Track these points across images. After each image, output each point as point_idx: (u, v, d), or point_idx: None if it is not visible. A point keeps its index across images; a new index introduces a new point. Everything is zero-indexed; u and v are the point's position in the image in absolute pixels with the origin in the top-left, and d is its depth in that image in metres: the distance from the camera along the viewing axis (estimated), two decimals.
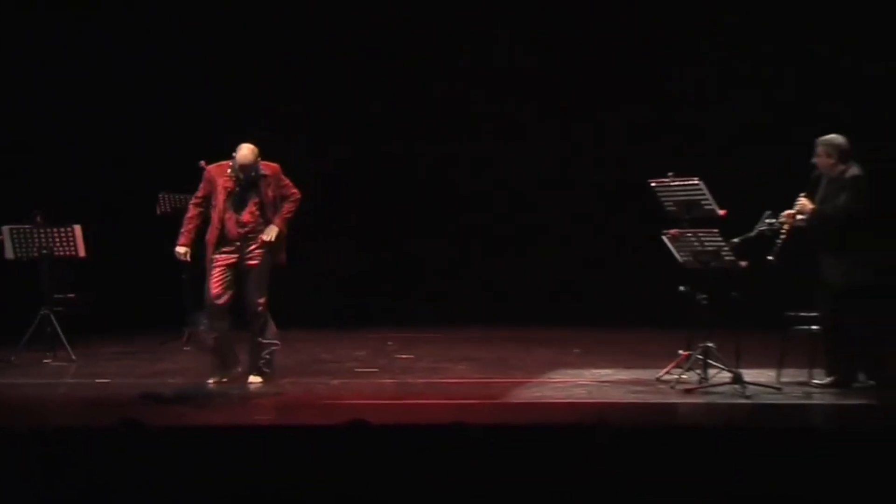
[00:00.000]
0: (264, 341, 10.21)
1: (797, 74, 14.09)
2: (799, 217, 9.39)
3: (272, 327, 10.24)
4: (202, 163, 12.33)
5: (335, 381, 10.36)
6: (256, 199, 10.13)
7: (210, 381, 10.22)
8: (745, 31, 14.25)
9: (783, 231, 9.36)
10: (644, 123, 14.43)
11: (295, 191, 10.29)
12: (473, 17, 14.92)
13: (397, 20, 14.86)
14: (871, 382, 9.39)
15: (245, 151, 10.10)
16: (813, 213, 9.39)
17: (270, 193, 10.16)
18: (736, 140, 13.98)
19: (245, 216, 10.12)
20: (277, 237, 10.12)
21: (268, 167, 10.21)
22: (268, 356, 10.25)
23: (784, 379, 9.68)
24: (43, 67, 14.36)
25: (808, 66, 13.95)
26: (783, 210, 9.44)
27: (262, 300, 10.13)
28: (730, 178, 10.95)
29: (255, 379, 10.20)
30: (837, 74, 13.75)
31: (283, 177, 10.27)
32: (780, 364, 9.74)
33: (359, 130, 15.17)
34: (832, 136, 9.53)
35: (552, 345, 12.24)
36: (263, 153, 12.39)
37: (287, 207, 10.23)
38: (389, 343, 12.62)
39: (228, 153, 10.26)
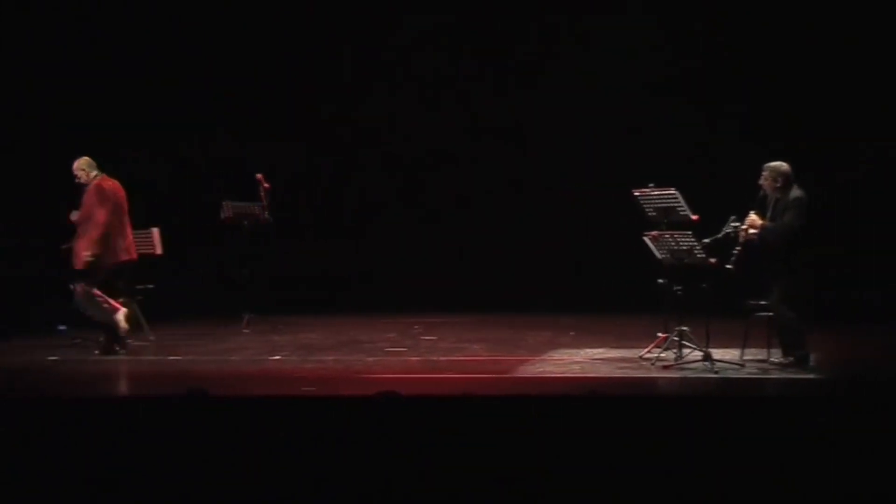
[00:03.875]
0: (85, 314, 10.38)
1: (793, 74, 13.03)
2: (751, 231, 9.26)
3: (90, 304, 10.28)
4: (259, 176, 12.29)
5: (370, 359, 10.28)
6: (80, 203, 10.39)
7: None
8: (743, 30, 13.27)
9: (739, 242, 9.25)
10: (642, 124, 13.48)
11: (97, 214, 10.27)
12: (474, 17, 14.04)
13: (397, 20, 14.16)
14: (791, 359, 9.28)
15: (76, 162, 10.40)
16: (763, 228, 9.26)
17: (84, 202, 10.34)
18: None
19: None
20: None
21: (104, 179, 10.37)
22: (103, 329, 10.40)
23: (746, 357, 9.57)
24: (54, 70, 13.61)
25: (807, 67, 12.95)
26: (747, 214, 9.30)
27: (77, 287, 10.31)
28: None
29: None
30: (837, 74, 12.83)
31: (94, 193, 10.29)
32: (742, 344, 9.63)
33: (358, 130, 14.41)
34: (778, 164, 9.35)
35: (551, 328, 12.12)
36: (263, 154, 12.26)
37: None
38: (416, 327, 12.52)
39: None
